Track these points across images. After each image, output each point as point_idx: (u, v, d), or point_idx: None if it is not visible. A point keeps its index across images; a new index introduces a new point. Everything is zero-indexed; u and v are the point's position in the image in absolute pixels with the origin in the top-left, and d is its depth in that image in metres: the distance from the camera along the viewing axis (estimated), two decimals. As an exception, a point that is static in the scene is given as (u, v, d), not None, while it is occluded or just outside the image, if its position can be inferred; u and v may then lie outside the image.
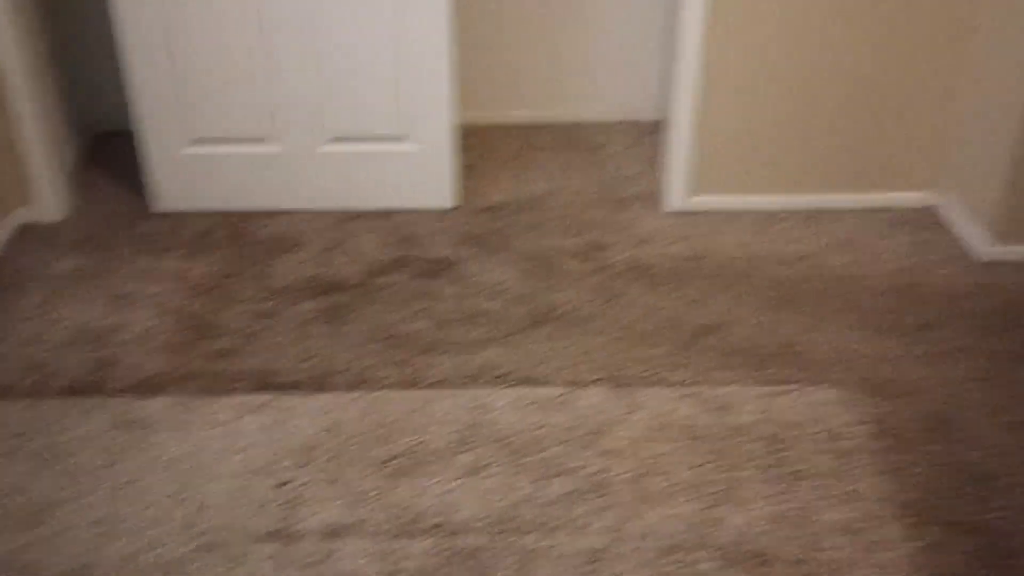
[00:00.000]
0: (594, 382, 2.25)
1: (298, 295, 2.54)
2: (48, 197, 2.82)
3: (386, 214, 2.87)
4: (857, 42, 2.69)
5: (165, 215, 2.87)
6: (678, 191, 2.90)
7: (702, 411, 2.18)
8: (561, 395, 2.22)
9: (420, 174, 2.87)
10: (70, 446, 2.04)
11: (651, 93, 3.45)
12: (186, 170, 2.83)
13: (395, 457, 2.04)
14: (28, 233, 2.80)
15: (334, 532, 1.87)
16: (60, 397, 2.19)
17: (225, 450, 2.04)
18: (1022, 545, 1.87)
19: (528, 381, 2.26)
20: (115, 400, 2.17)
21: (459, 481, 1.99)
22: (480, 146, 3.25)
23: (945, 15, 2.65)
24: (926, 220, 2.87)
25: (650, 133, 3.37)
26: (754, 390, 2.23)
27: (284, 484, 1.97)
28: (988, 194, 2.66)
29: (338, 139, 2.81)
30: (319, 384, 2.23)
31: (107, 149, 3.22)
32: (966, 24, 2.66)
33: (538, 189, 3.04)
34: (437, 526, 1.89)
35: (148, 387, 2.22)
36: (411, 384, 2.24)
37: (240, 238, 2.77)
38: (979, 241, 2.71)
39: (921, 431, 2.11)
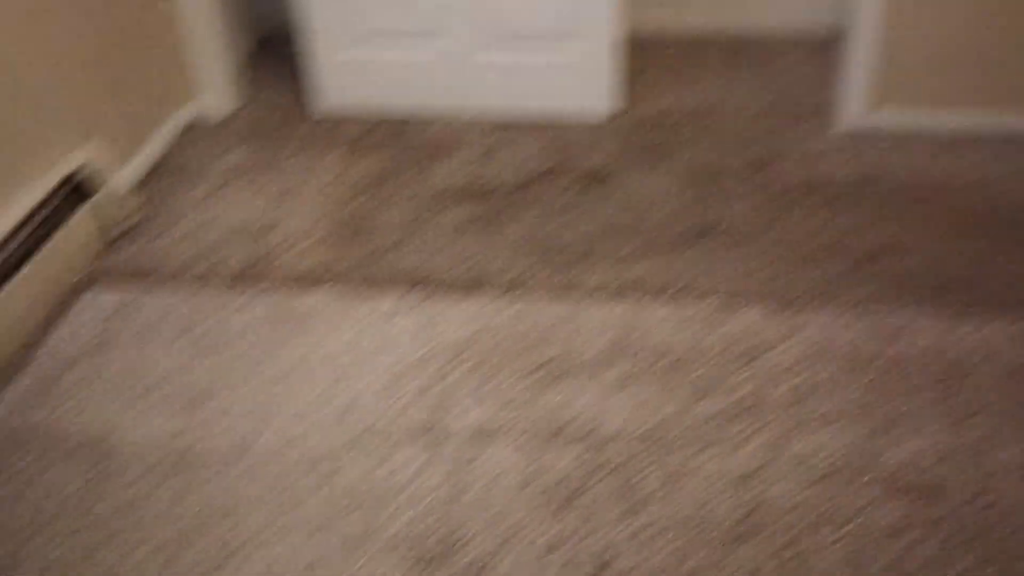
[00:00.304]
0: (752, 301, 2.15)
1: (454, 199, 2.52)
2: (215, 95, 2.89)
3: (545, 122, 2.81)
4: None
5: (326, 116, 2.90)
6: (854, 107, 2.71)
7: (867, 338, 2.05)
8: (717, 313, 2.13)
9: (581, 79, 2.78)
10: (229, 336, 2.11)
11: (827, 3, 3.23)
12: (348, 72, 2.84)
13: (544, 364, 2.01)
14: (195, 129, 2.88)
15: (481, 435, 1.86)
16: (221, 289, 2.25)
17: (378, 348, 2.06)
18: None
19: (683, 297, 2.17)
20: (273, 294, 2.22)
21: (607, 393, 1.94)
22: (646, 53, 3.12)
23: None
24: None
25: (824, 46, 3.16)
26: (925, 320, 2.08)
27: (434, 385, 1.97)
28: None
29: (500, 39, 2.74)
30: (471, 288, 2.22)
31: (272, 50, 3.26)
32: None
33: (704, 100, 2.90)
34: (583, 437, 1.85)
35: (305, 282, 2.26)
36: (563, 293, 2.19)
37: (399, 140, 2.77)
38: None
39: (1116, 374, 1.93)
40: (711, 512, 1.70)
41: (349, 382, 1.98)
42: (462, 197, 2.53)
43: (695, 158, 2.63)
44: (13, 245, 2.07)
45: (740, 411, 1.90)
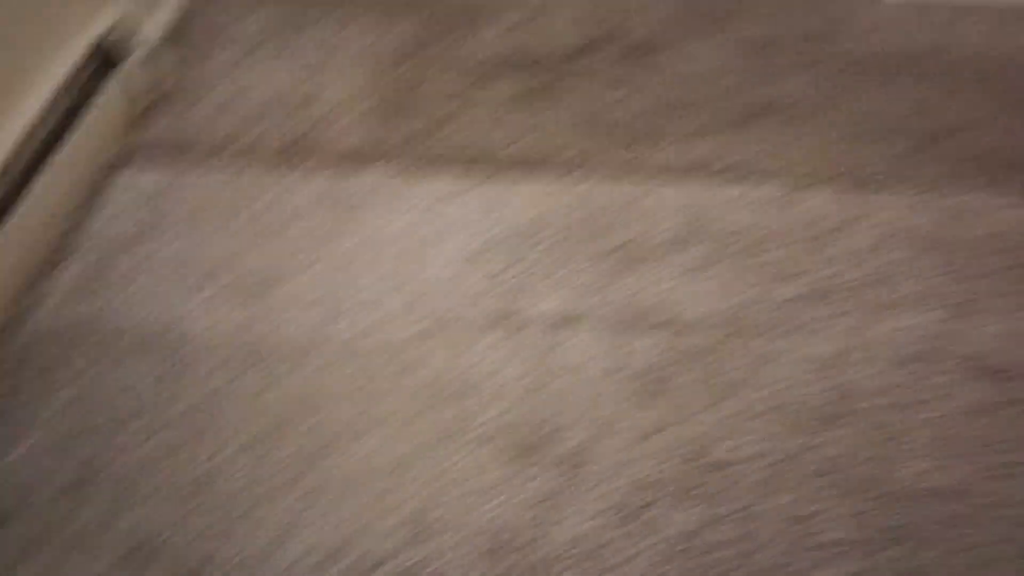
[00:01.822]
0: (822, 182, 2.09)
1: (501, 69, 2.39)
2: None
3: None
4: None
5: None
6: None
7: (939, 219, 2.01)
8: (783, 195, 2.07)
9: None
10: (283, 219, 2.01)
11: None
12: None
13: (614, 250, 1.95)
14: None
15: (557, 323, 1.81)
16: (267, 166, 2.14)
17: (438, 234, 1.98)
18: None
19: (748, 178, 2.11)
20: (323, 172, 2.12)
21: (684, 278, 1.89)
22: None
23: None
24: None
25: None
26: (997, 200, 2.05)
27: (501, 272, 1.91)
28: None
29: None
30: (528, 169, 2.13)
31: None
32: None
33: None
34: (662, 324, 1.81)
35: (355, 160, 2.15)
36: (626, 174, 2.11)
37: (434, 3, 2.61)
38: None
39: None
40: (801, 397, 1.69)
41: (416, 268, 1.91)
42: (510, 67, 2.40)
43: (749, 28, 2.52)
44: (48, 124, 1.92)
45: (820, 294, 1.86)
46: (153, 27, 2.39)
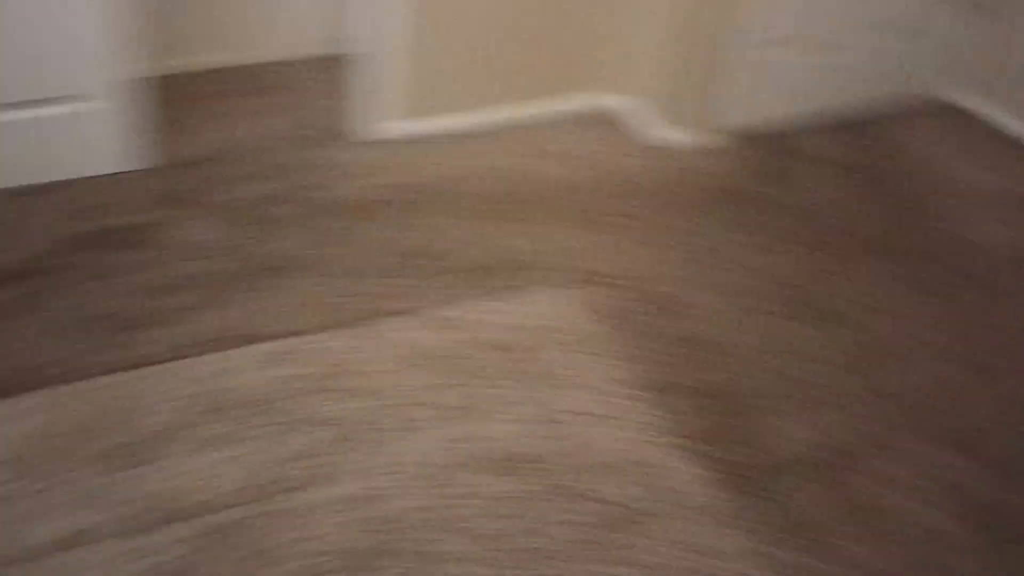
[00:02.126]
0: (321, 326, 2.14)
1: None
2: None
3: (68, 183, 2.53)
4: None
5: None
6: (378, 121, 2.81)
7: (436, 331, 2.14)
8: (291, 345, 2.09)
9: (100, 136, 2.54)
10: None
11: (340, 25, 3.31)
12: None
13: (123, 446, 1.83)
14: None
15: (69, 542, 1.65)
16: None
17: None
18: (753, 399, 2.02)
19: (254, 338, 2.10)
20: None
21: (198, 456, 1.82)
22: (167, 98, 2.96)
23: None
24: (617, 120, 2.99)
25: (343, 66, 3.24)
26: (483, 303, 2.23)
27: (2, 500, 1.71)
28: (656, 86, 2.82)
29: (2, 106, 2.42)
30: (22, 383, 1.95)
31: None
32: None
33: (235, 137, 2.82)
34: (185, 508, 1.72)
35: None
36: (129, 365, 2.01)
37: None
38: (660, 133, 2.87)
39: (650, 313, 2.21)
40: (346, 540, 1.68)
41: None
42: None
43: (236, 196, 2.56)
44: None
45: (338, 436, 1.88)
46: None
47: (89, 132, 2.54)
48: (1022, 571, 1.75)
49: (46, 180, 2.54)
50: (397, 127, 2.84)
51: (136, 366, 2.01)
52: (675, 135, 2.85)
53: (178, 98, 2.97)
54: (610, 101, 3.05)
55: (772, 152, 2.85)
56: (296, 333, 2.11)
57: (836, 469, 1.90)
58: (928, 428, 1.96)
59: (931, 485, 1.88)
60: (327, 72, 3.20)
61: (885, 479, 1.88)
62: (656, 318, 2.19)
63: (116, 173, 2.60)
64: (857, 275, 2.37)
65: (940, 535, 1.79)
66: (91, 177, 2.58)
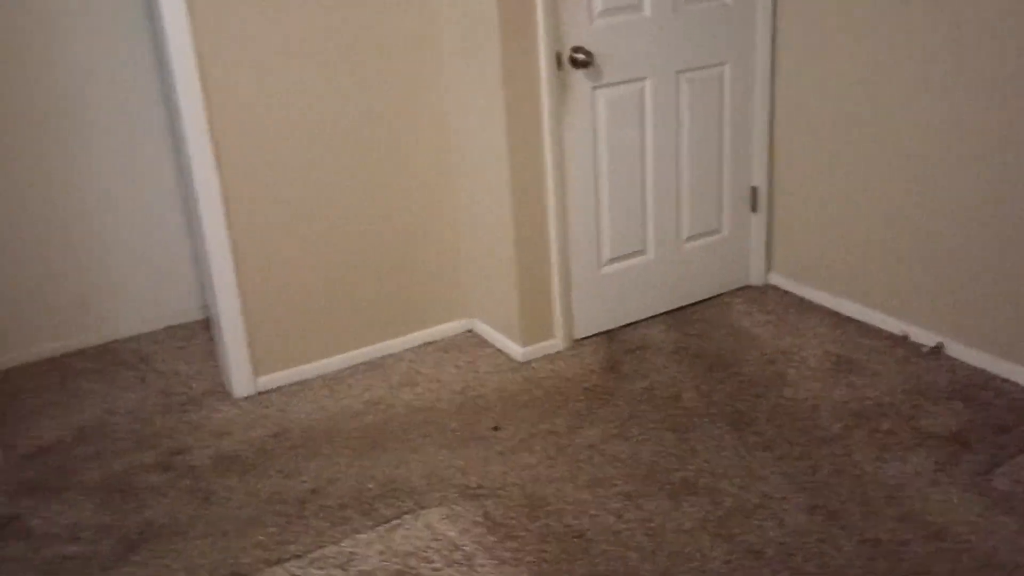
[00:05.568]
0: (212, 582, 2.18)
1: None
2: None
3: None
4: (361, 213, 3.00)
5: None
6: (242, 378, 2.94)
7: (331, 571, 2.19)
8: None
9: None
10: None
11: (191, 293, 3.48)
12: None
13: None
14: None
15: None
16: None
17: None
18: (631, 579, 2.13)
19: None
20: None
21: None
22: (11, 389, 3.03)
23: (428, 169, 3.07)
24: (469, 342, 3.21)
25: (200, 331, 3.38)
26: (370, 534, 2.30)
27: None
28: (507, 310, 3.07)
29: None
30: None
31: None
32: (446, 174, 3.10)
33: (93, 415, 2.89)
34: None
35: None
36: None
37: None
38: (513, 348, 3.09)
39: (524, 515, 2.33)
40: None
41: None
42: None
43: (103, 472, 2.60)
44: None
45: None
46: None
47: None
48: None
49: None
50: (265, 380, 2.98)
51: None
52: (528, 348, 3.08)
53: (18, 389, 3.05)
54: (469, 325, 3.28)
55: (617, 349, 3.10)
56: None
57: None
58: (796, 578, 2.10)
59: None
60: (186, 337, 3.34)
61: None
62: (525, 520, 2.31)
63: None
64: (705, 446, 2.56)
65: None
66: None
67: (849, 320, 3.19)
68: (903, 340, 3.03)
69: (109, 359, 3.24)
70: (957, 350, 2.91)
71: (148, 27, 3.21)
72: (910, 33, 2.81)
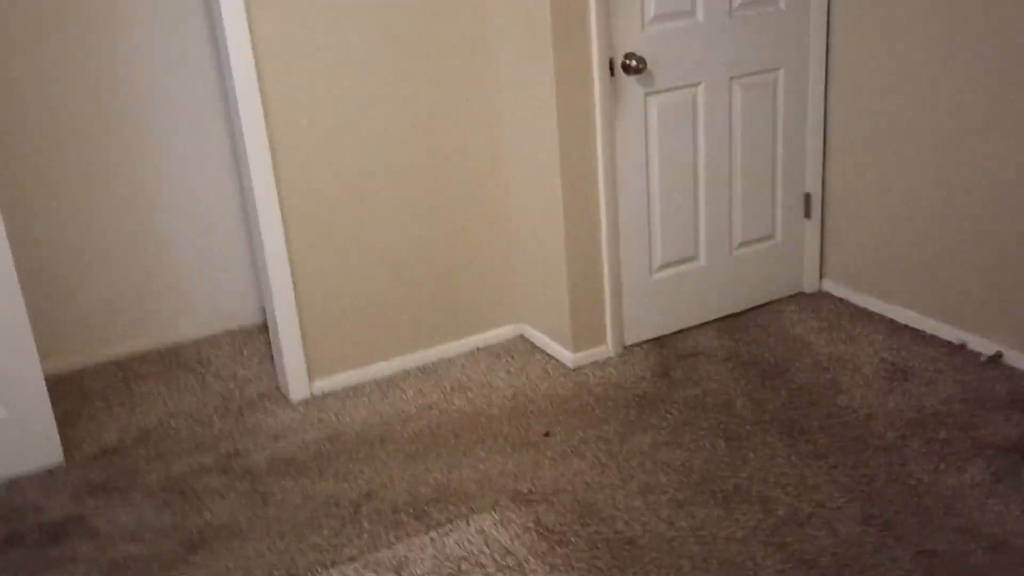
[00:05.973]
0: (272, 583, 2.22)
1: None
2: None
3: (-5, 487, 2.63)
4: (414, 219, 3.04)
5: None
6: (298, 382, 2.99)
7: (385, 574, 2.23)
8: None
9: (11, 437, 2.67)
10: None
11: (249, 297, 3.55)
12: None
13: None
14: None
15: None
16: None
17: None
18: (682, 587, 2.13)
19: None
20: None
21: None
22: (78, 391, 3.11)
23: (481, 188, 3.10)
24: (520, 347, 3.23)
25: (257, 335, 3.44)
26: (423, 538, 2.33)
27: None
28: (558, 316, 3.09)
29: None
30: None
31: None
32: (499, 181, 3.13)
33: (154, 417, 2.96)
34: None
35: None
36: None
37: None
38: (563, 354, 3.11)
39: (575, 521, 2.34)
40: None
41: None
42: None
43: (164, 473, 2.67)
44: None
45: None
46: None
47: (4, 435, 2.65)
48: None
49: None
50: (320, 384, 3.03)
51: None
52: (578, 355, 3.09)
53: (87, 391, 3.13)
54: (520, 331, 3.31)
55: (668, 356, 3.10)
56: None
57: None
58: (849, 588, 2.09)
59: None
60: (244, 341, 3.40)
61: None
62: (576, 527, 2.32)
63: (32, 472, 2.70)
64: (758, 454, 2.55)
65: None
66: (6, 478, 2.67)
67: (904, 328, 3.15)
68: (960, 348, 2.99)
69: (171, 362, 3.32)
70: (1017, 359, 2.86)
71: (211, 40, 3.29)
72: (966, 38, 2.77)
